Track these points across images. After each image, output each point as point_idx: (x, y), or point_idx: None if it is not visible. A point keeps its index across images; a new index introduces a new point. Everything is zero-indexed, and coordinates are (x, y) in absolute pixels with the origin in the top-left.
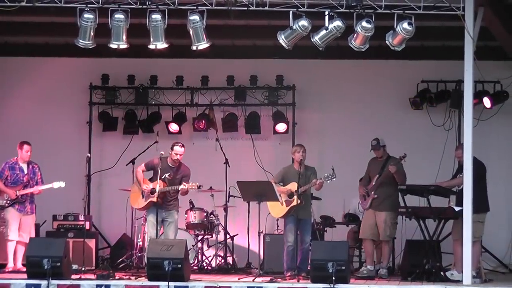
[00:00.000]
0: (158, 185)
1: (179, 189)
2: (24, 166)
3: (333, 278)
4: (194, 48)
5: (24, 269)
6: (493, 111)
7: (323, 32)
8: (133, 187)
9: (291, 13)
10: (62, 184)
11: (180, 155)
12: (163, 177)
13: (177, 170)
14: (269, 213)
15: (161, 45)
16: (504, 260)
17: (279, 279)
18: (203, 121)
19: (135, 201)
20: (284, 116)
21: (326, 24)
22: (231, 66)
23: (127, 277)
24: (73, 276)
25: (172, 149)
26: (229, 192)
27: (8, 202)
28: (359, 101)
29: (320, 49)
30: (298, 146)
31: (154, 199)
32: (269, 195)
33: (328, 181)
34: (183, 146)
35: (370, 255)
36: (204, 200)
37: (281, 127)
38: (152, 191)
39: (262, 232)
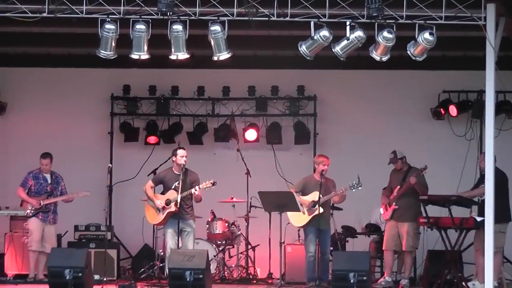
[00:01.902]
0: (178, 194)
1: (192, 192)
2: (48, 176)
3: None
4: (215, 58)
5: (46, 280)
6: None
7: (344, 42)
8: (147, 205)
9: (312, 23)
10: (87, 193)
11: (185, 156)
12: (173, 187)
13: (185, 177)
14: (288, 222)
15: (182, 55)
16: None
17: None
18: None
19: (153, 218)
20: (306, 126)
21: (347, 34)
22: (252, 77)
23: (149, 287)
24: (94, 287)
25: (175, 155)
26: (250, 202)
27: (32, 211)
28: (380, 111)
29: (341, 59)
30: (326, 158)
31: (172, 209)
32: (291, 206)
33: (354, 190)
34: (184, 148)
35: (389, 267)
36: (226, 211)
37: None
38: (167, 202)
39: (283, 242)
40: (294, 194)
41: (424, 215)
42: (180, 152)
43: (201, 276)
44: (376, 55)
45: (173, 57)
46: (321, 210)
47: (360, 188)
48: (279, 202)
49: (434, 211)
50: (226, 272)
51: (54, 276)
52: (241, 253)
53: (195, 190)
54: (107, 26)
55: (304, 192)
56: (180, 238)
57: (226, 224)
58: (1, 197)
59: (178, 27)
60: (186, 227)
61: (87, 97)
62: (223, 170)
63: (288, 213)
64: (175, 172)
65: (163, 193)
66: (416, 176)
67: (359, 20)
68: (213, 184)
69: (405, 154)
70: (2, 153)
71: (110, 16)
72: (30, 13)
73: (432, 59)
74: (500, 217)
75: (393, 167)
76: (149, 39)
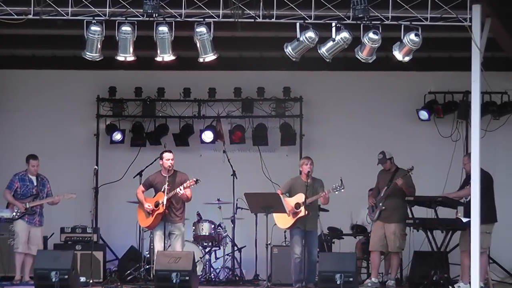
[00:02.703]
0: (165, 195)
1: (177, 191)
2: (34, 178)
3: None
4: (201, 60)
5: (32, 282)
6: (500, 122)
7: (330, 43)
8: (138, 209)
9: (298, 24)
10: (73, 195)
11: (171, 159)
12: (162, 190)
13: (174, 179)
14: (274, 224)
15: (168, 57)
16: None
17: None
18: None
19: (144, 221)
20: (292, 128)
21: (333, 36)
22: (238, 78)
23: None
24: None
25: (161, 158)
26: (236, 204)
27: (18, 214)
28: (366, 112)
29: (327, 60)
30: (306, 158)
31: (160, 211)
32: (277, 207)
33: (336, 192)
34: (170, 151)
35: (376, 268)
36: (212, 212)
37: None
38: (156, 204)
39: (269, 244)
40: (281, 196)
41: (410, 216)
42: (166, 155)
43: (187, 278)
44: (362, 56)
45: (159, 58)
46: (306, 212)
47: (342, 190)
48: (265, 204)
49: (420, 212)
50: (212, 274)
51: (40, 278)
52: (227, 254)
53: (179, 190)
54: (93, 28)
55: (291, 194)
56: (168, 241)
57: (212, 226)
58: None
59: (163, 28)
60: (175, 230)
61: (73, 99)
62: (209, 171)
63: (274, 215)
64: (163, 175)
65: (155, 197)
66: (403, 177)
67: (345, 21)
68: (196, 181)
69: (392, 155)
70: None
71: (95, 18)
72: (16, 15)
73: (418, 60)
74: (486, 218)
75: (381, 168)
76: (135, 40)
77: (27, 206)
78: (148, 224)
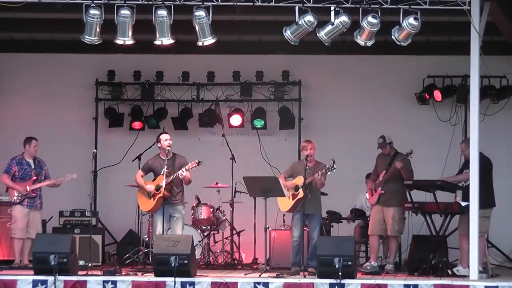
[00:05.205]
0: (164, 178)
1: (179, 174)
2: (31, 161)
3: (340, 273)
4: (200, 43)
5: (31, 265)
6: (499, 106)
7: (329, 27)
8: (139, 193)
9: (297, 8)
10: (74, 175)
11: (169, 140)
12: (162, 173)
13: (173, 161)
14: (279, 209)
15: (167, 41)
16: (510, 255)
17: (285, 275)
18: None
19: (145, 205)
20: (290, 112)
21: (332, 20)
22: (237, 62)
23: (134, 273)
24: (79, 272)
25: (159, 140)
26: (235, 187)
27: (19, 197)
28: (365, 96)
29: (326, 44)
30: (306, 142)
31: (162, 194)
32: (276, 191)
33: (329, 172)
34: (167, 133)
35: (375, 251)
36: (211, 196)
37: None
38: (157, 188)
39: (268, 227)
40: (280, 180)
41: (409, 200)
42: (163, 136)
43: (186, 261)
44: (360, 40)
45: (157, 42)
46: (304, 194)
47: (335, 170)
48: (263, 187)
49: (419, 196)
50: (211, 258)
51: (39, 261)
52: (226, 238)
53: (182, 172)
54: (92, 11)
55: (293, 177)
56: (168, 224)
57: (211, 210)
58: None
59: (162, 12)
60: (175, 213)
61: (72, 83)
62: (208, 155)
63: (278, 198)
64: (162, 158)
65: (154, 180)
66: (402, 160)
67: (344, 5)
68: (198, 163)
69: (391, 140)
70: None
71: (94, 2)
72: None
73: (417, 44)
74: (485, 202)
75: (380, 151)
76: (134, 24)
77: (28, 189)
78: (149, 208)
